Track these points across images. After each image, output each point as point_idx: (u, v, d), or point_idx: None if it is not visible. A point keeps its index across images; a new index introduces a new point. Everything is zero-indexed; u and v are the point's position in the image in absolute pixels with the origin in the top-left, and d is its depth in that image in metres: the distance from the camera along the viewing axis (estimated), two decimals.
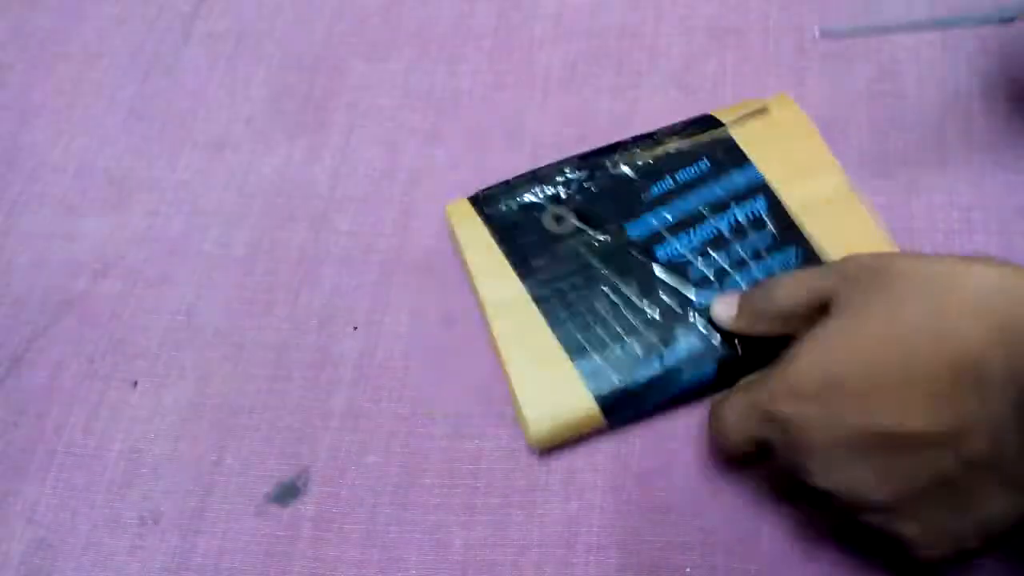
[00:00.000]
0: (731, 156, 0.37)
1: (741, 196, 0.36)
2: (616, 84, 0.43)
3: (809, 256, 0.35)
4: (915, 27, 0.37)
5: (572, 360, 0.34)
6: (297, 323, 0.38)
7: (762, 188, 0.36)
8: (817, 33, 0.32)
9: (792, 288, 0.29)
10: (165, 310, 0.39)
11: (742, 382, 0.32)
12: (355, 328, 0.38)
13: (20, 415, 0.37)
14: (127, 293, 0.40)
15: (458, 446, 0.35)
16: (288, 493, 0.35)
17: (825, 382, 0.26)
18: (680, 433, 0.34)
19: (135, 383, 0.38)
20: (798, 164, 0.37)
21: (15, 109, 0.46)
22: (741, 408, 0.29)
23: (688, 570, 0.32)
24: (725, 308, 0.32)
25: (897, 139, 0.40)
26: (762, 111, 0.39)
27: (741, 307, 0.32)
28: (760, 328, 0.31)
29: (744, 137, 0.38)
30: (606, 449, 0.34)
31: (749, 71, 0.43)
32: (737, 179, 0.37)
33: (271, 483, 0.35)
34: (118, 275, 0.40)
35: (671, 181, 0.37)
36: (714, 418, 0.31)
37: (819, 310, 0.28)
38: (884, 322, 0.25)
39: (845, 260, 0.28)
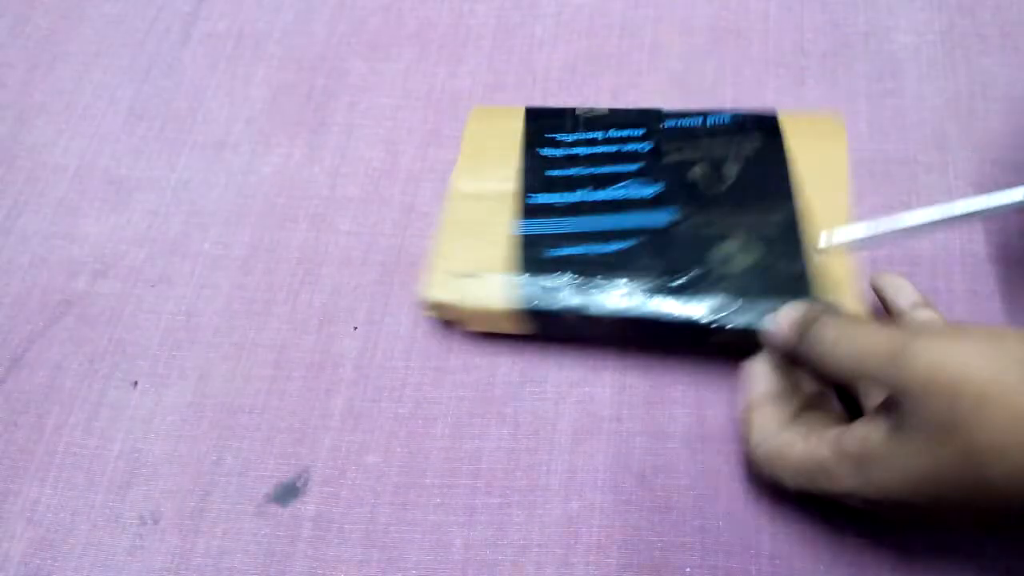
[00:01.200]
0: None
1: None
2: (616, 84, 0.43)
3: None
4: (924, 229, 0.32)
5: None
6: (297, 323, 0.38)
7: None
8: (821, 243, 0.33)
9: (854, 356, 0.27)
10: (165, 310, 0.39)
11: (796, 421, 0.31)
12: (355, 328, 0.38)
13: (20, 415, 0.37)
14: (127, 293, 0.40)
15: (458, 446, 0.35)
16: (288, 493, 0.35)
17: (894, 497, 0.26)
18: (680, 433, 0.34)
19: (135, 383, 0.38)
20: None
21: (15, 109, 0.46)
22: (801, 464, 0.29)
23: (688, 570, 0.32)
24: (784, 324, 0.30)
25: (897, 139, 0.40)
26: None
27: (791, 329, 0.30)
28: (806, 369, 0.30)
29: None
30: (606, 449, 0.34)
31: (749, 71, 0.43)
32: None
33: (271, 483, 0.35)
34: (118, 275, 0.40)
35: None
36: (771, 458, 0.30)
37: (878, 393, 0.27)
38: (956, 462, 0.25)
39: (915, 357, 0.25)
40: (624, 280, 0.34)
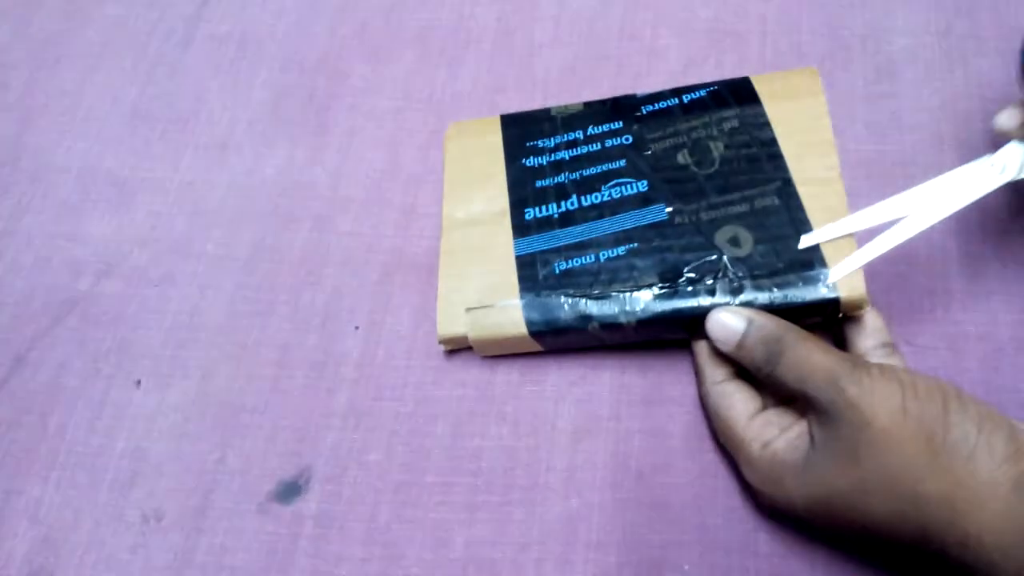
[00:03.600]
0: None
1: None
2: (615, 86, 0.43)
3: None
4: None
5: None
6: (299, 323, 0.39)
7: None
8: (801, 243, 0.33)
9: (794, 373, 0.29)
10: (168, 310, 0.40)
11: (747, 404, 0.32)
12: (357, 328, 0.38)
13: (24, 414, 0.38)
14: (130, 293, 0.40)
15: (459, 444, 0.35)
16: (290, 491, 0.35)
17: (796, 511, 0.29)
18: (680, 432, 0.34)
19: (138, 382, 0.38)
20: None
21: (19, 110, 0.46)
22: (736, 445, 0.31)
23: (686, 568, 0.32)
24: (728, 334, 0.31)
25: (896, 140, 0.40)
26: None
27: (742, 345, 0.31)
28: (759, 376, 0.31)
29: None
30: (606, 448, 0.34)
31: (747, 73, 0.43)
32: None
33: (273, 481, 0.35)
34: (121, 275, 0.41)
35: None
36: (716, 414, 0.32)
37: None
38: (849, 490, 0.27)
39: (846, 386, 0.28)
40: (634, 284, 0.33)
